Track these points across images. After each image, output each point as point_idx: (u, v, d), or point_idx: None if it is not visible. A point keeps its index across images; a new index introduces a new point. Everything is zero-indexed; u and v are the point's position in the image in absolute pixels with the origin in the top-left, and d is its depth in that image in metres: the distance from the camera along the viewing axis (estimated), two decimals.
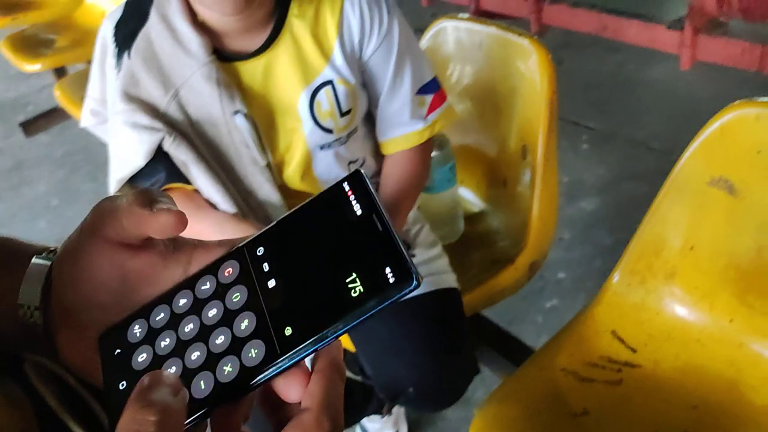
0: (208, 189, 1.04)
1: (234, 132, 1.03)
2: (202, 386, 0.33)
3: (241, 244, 0.38)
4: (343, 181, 0.36)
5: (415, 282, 0.32)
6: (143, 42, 1.02)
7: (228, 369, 0.34)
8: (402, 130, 1.15)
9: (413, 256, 1.19)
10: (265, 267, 0.36)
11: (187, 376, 0.34)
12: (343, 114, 1.09)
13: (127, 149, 1.03)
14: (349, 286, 0.33)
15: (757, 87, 2.33)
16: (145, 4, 1.04)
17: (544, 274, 1.96)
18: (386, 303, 0.33)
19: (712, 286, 1.15)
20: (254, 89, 1.06)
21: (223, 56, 1.03)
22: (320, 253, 0.35)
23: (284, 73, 1.05)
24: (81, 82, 2.31)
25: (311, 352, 0.33)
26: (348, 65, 1.07)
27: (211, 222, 1.04)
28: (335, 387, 0.33)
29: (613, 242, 2.00)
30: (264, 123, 1.06)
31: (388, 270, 0.33)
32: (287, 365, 0.33)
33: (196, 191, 1.05)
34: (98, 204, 0.39)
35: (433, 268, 1.19)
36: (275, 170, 1.10)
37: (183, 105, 1.03)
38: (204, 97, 1.02)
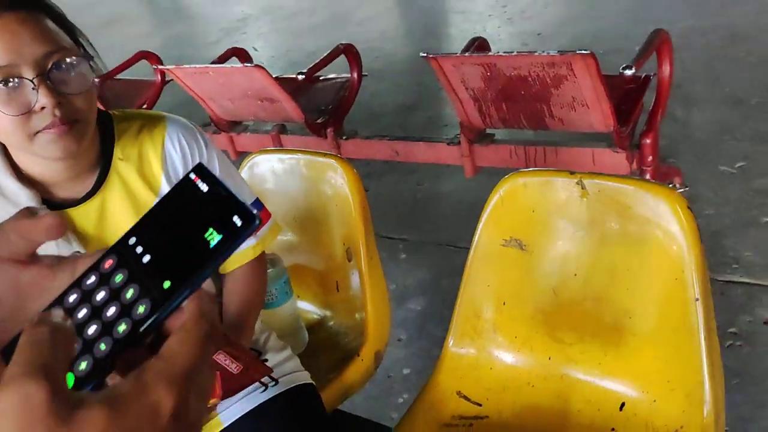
0: None
1: None
2: (102, 347, 0.40)
3: (114, 243, 0.45)
4: (189, 173, 0.45)
5: (258, 220, 0.42)
6: None
7: (122, 327, 0.40)
8: None
9: (265, 360, 1.25)
10: (138, 249, 0.44)
11: (87, 345, 0.40)
12: None
13: None
14: (208, 238, 0.42)
15: None
16: None
17: (391, 374, 2.08)
18: (239, 240, 0.42)
19: (528, 332, 1.34)
20: (89, 232, 1.11)
21: (53, 205, 1.09)
22: (180, 224, 0.44)
23: (117, 212, 1.12)
24: None
25: (188, 295, 0.41)
26: None
27: None
28: (207, 303, 0.41)
29: (444, 332, 2.17)
30: None
31: (235, 217, 0.42)
32: (171, 308, 0.41)
33: None
34: None
35: (286, 368, 1.26)
36: None
37: None
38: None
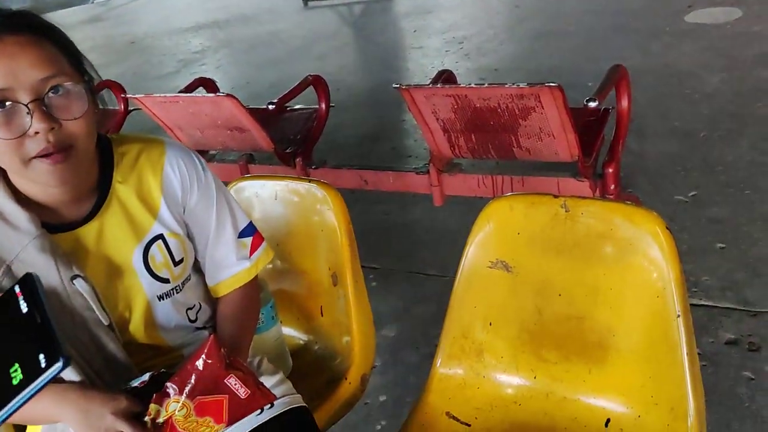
0: None
1: (75, 297, 1.06)
2: None
3: None
4: (15, 284, 0.44)
5: (61, 362, 0.39)
6: None
7: None
8: (230, 271, 1.26)
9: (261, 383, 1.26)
10: None
11: None
12: (176, 263, 1.18)
13: None
14: (12, 375, 0.40)
15: None
16: None
17: (368, 401, 2.09)
18: (41, 385, 0.39)
19: (514, 352, 1.38)
20: (88, 254, 1.11)
21: (52, 227, 1.08)
22: None
23: (115, 235, 1.13)
24: None
25: None
26: (174, 219, 1.18)
27: (52, 396, 1.01)
28: None
29: (419, 358, 2.21)
30: (101, 284, 1.11)
31: (42, 356, 0.40)
32: None
33: None
34: None
35: (282, 390, 1.26)
36: (117, 329, 1.13)
37: (16, 279, 1.05)
38: (38, 268, 1.04)
